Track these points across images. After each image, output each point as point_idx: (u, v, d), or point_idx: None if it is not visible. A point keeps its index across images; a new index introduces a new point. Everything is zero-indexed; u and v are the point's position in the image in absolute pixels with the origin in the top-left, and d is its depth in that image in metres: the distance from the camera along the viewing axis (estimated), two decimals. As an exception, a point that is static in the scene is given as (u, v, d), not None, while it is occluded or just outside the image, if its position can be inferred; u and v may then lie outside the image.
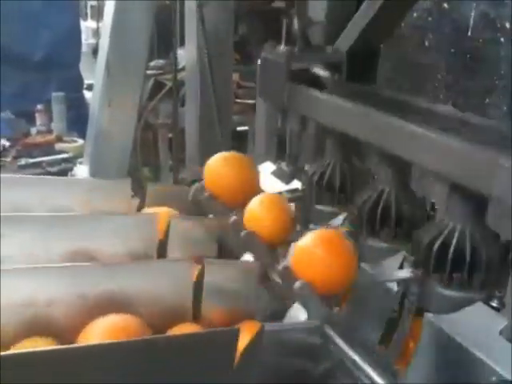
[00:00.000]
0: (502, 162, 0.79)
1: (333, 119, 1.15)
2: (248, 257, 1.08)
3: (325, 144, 1.28)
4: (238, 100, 3.32)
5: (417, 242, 0.99)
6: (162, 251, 1.03)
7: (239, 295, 0.90)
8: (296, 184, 1.37)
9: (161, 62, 3.42)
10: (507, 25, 1.23)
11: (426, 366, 0.95)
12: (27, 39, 3.43)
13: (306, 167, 1.32)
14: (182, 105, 2.88)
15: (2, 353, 0.65)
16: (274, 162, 1.41)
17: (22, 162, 2.60)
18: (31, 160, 2.62)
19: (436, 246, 0.95)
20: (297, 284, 0.91)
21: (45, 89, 3.36)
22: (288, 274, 0.94)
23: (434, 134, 0.93)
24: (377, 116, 1.04)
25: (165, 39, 3.08)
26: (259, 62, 1.32)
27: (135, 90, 1.90)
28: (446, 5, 1.37)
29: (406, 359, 0.98)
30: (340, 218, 1.18)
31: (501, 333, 0.86)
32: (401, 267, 1.01)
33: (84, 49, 4.12)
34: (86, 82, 3.73)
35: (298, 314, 0.92)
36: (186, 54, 2.66)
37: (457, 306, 0.92)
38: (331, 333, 0.88)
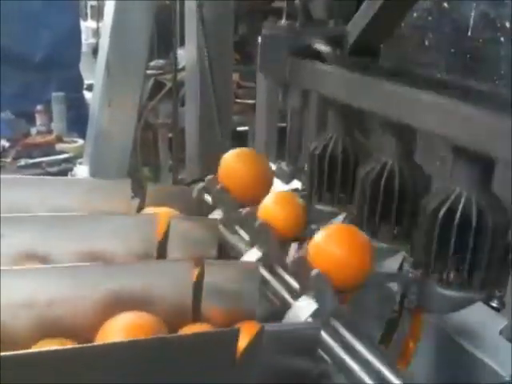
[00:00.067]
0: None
1: (336, 90, 1.15)
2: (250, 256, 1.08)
3: (327, 119, 1.27)
4: (238, 100, 3.32)
5: (422, 209, 0.98)
6: (161, 251, 1.03)
7: (239, 296, 0.90)
8: (296, 184, 1.37)
9: (161, 62, 3.42)
10: (507, 24, 1.23)
11: (425, 365, 0.95)
12: (27, 39, 3.43)
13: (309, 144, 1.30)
14: (182, 105, 2.87)
15: (2, 353, 0.65)
16: (274, 161, 1.41)
17: (22, 162, 2.60)
18: (31, 160, 2.62)
19: (442, 212, 0.94)
20: (313, 272, 0.91)
21: (45, 89, 3.36)
22: (303, 264, 0.94)
23: (441, 99, 0.92)
24: (382, 84, 1.03)
25: (165, 39, 3.08)
26: (260, 38, 1.32)
27: (135, 90, 1.90)
28: (446, 4, 1.37)
29: (406, 359, 0.98)
30: (340, 218, 1.18)
31: (501, 333, 0.86)
32: (400, 267, 1.01)
33: (84, 49, 4.12)
34: (86, 82, 3.73)
35: (298, 314, 0.92)
36: (186, 54, 2.65)
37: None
38: (331, 333, 0.88)
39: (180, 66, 2.84)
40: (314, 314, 0.90)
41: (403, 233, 1.08)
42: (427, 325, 0.96)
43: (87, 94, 3.62)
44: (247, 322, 0.88)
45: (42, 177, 1.91)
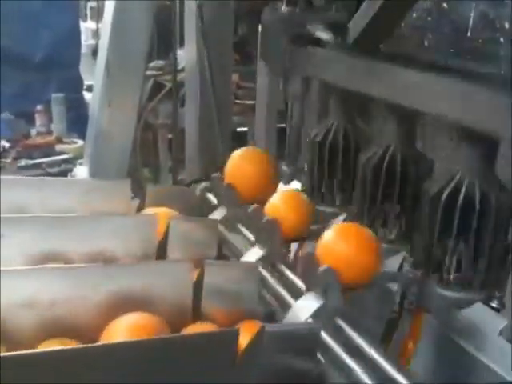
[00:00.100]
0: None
1: (338, 76, 1.14)
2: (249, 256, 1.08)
3: (328, 106, 1.27)
4: (238, 101, 3.32)
5: (425, 192, 0.97)
6: (161, 252, 1.03)
7: (239, 296, 0.90)
8: (296, 184, 1.37)
9: (160, 62, 3.42)
10: (507, 25, 1.23)
11: (425, 366, 0.95)
12: (27, 39, 3.43)
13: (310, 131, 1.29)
14: (182, 105, 2.87)
15: (2, 353, 0.65)
16: (274, 162, 1.41)
17: (22, 163, 2.60)
18: (31, 161, 2.62)
19: (445, 194, 0.93)
20: (322, 267, 0.91)
21: (45, 89, 3.36)
22: (312, 261, 0.95)
23: (443, 80, 0.92)
24: (384, 68, 1.03)
25: (165, 39, 3.08)
26: (260, 26, 1.31)
27: (135, 91, 1.90)
28: (445, 5, 1.37)
29: (406, 359, 0.98)
30: (340, 219, 1.18)
31: (500, 333, 0.86)
32: (400, 267, 1.01)
33: (83, 50, 4.12)
34: (86, 83, 3.73)
35: (298, 314, 0.92)
36: (186, 55, 2.65)
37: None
38: (334, 331, 0.88)
39: (180, 67, 2.84)
40: (315, 315, 0.90)
41: (405, 217, 1.08)
42: (427, 325, 0.96)
43: (87, 95, 3.62)
44: (247, 322, 0.88)
45: (41, 177, 1.91)
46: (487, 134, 0.85)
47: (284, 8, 1.23)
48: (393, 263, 1.02)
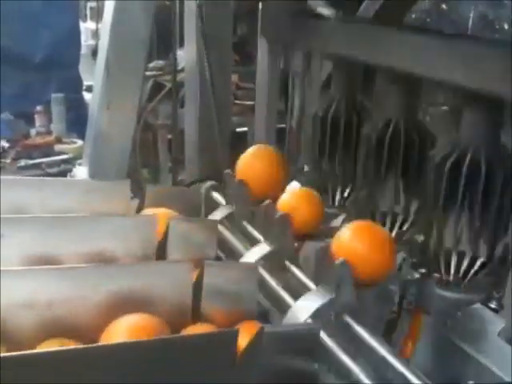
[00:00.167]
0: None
1: (340, 45, 1.13)
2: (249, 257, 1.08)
3: (329, 81, 1.27)
4: (237, 101, 3.32)
5: (430, 159, 0.96)
6: (161, 253, 1.03)
7: (239, 296, 0.90)
8: (295, 185, 1.37)
9: (160, 62, 3.41)
10: (506, 26, 1.23)
11: (424, 366, 0.95)
12: (27, 39, 3.43)
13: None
14: (182, 106, 2.87)
15: (2, 353, 0.65)
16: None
17: (22, 163, 2.60)
18: (31, 161, 2.62)
19: (448, 164, 0.93)
20: (338, 260, 0.92)
21: (45, 89, 3.35)
22: (325, 255, 0.95)
23: (448, 45, 0.91)
24: (389, 34, 1.02)
25: (164, 40, 3.08)
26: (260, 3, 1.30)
27: (135, 91, 1.89)
28: (444, 6, 1.37)
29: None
30: (340, 219, 1.18)
31: (499, 334, 0.86)
32: (400, 268, 1.02)
33: (83, 50, 4.11)
34: (86, 83, 3.73)
35: (297, 314, 0.92)
36: (186, 55, 2.65)
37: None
38: (331, 333, 0.88)
39: (179, 67, 2.84)
40: (314, 315, 0.90)
41: (409, 188, 1.08)
42: (426, 325, 0.96)
43: (86, 95, 3.62)
44: (247, 322, 0.88)
45: (41, 178, 1.90)
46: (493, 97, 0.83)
47: None
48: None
